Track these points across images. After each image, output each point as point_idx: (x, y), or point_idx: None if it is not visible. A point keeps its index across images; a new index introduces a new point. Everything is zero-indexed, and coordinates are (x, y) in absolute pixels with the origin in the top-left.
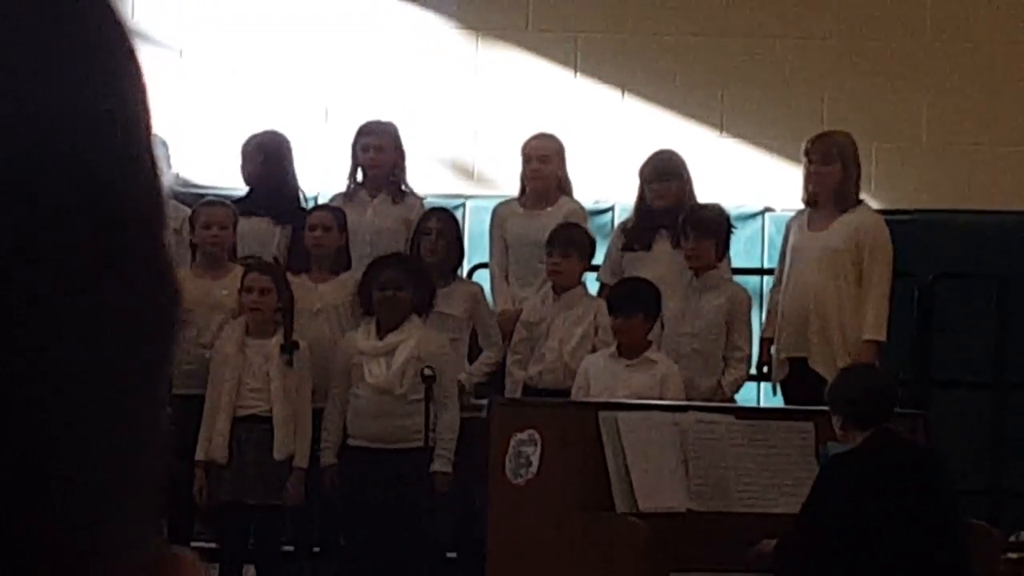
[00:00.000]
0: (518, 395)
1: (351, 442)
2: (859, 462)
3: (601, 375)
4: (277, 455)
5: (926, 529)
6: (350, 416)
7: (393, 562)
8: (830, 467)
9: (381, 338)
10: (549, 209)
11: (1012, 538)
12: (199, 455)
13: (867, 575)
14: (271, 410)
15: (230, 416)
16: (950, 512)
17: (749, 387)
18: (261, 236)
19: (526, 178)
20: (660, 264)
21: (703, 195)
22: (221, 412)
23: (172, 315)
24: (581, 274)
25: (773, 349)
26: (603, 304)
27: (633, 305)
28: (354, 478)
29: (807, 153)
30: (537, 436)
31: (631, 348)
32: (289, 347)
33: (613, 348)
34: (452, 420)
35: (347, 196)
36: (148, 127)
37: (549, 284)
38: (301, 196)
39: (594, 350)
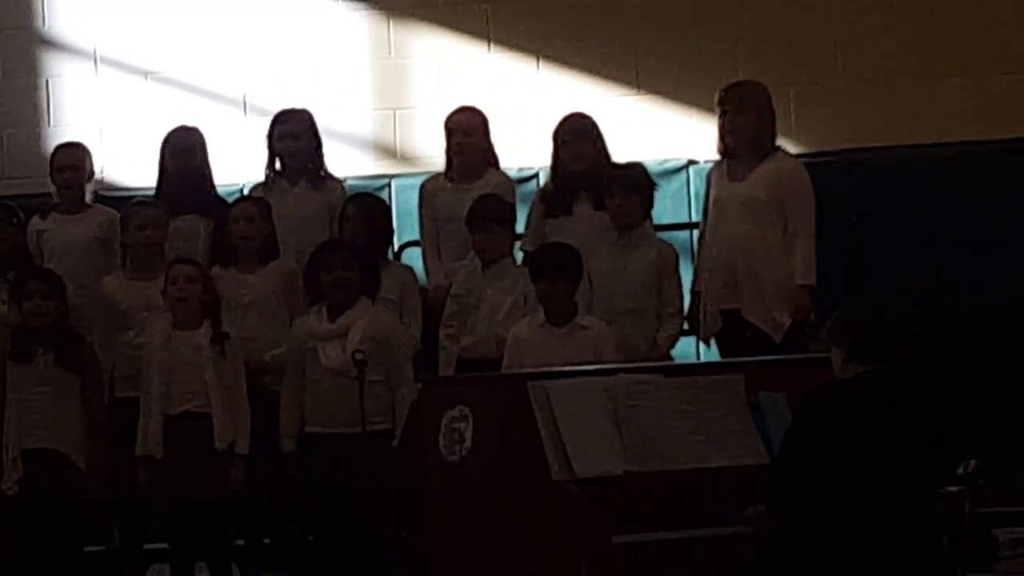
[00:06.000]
0: (452, 369)
1: (309, 428)
2: (848, 393)
3: (534, 346)
4: (218, 444)
5: (899, 475)
6: (307, 402)
7: (353, 548)
8: (815, 395)
9: (333, 321)
10: (478, 183)
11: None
12: (138, 451)
13: (847, 508)
14: (204, 405)
15: (163, 409)
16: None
17: (688, 342)
18: (187, 233)
19: (452, 152)
20: (582, 227)
21: (627, 154)
22: (154, 405)
23: None
24: (508, 245)
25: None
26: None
27: (554, 270)
28: (314, 464)
29: (721, 103)
30: (468, 412)
31: (559, 314)
32: (219, 338)
33: (542, 317)
34: (410, 397)
35: (267, 186)
36: None
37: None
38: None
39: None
